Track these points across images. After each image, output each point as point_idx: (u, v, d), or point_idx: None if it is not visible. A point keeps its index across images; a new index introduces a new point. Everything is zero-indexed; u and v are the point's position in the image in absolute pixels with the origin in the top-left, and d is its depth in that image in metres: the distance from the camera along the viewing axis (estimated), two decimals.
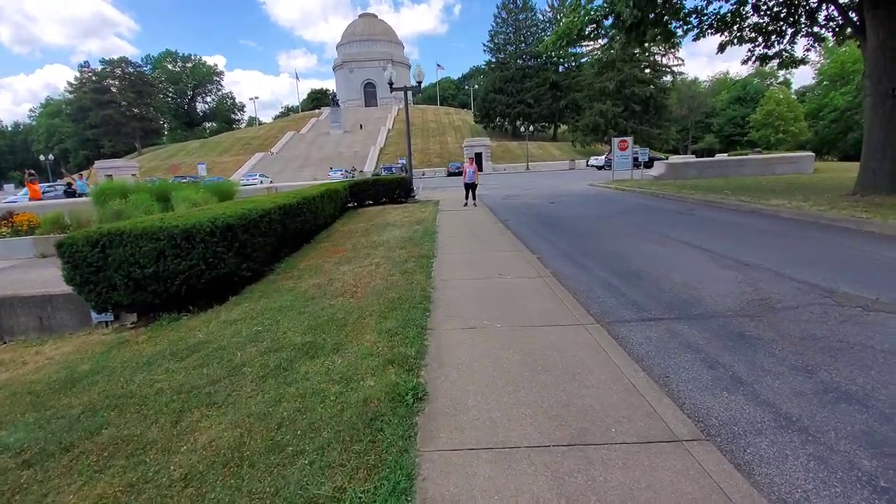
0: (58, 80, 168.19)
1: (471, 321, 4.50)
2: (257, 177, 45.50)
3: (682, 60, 57.94)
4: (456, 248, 8.00)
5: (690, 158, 32.51)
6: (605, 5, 13.63)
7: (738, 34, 15.27)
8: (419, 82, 16.28)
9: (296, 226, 9.11)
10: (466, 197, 15.06)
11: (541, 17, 69.32)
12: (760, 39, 15.28)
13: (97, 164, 50.09)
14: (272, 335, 4.43)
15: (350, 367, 3.60)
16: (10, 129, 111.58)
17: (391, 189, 16.96)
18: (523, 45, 69.31)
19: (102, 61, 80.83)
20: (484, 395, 3.12)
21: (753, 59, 15.89)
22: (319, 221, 11.20)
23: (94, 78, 79.44)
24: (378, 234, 10.25)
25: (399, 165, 44.24)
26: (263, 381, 3.52)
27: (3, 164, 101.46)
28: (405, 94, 16.69)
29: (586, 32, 14.28)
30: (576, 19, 14.02)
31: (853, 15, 12.08)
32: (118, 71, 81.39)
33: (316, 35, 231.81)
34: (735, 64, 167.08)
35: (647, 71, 58.94)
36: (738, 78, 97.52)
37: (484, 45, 72.54)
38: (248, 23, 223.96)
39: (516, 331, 4.22)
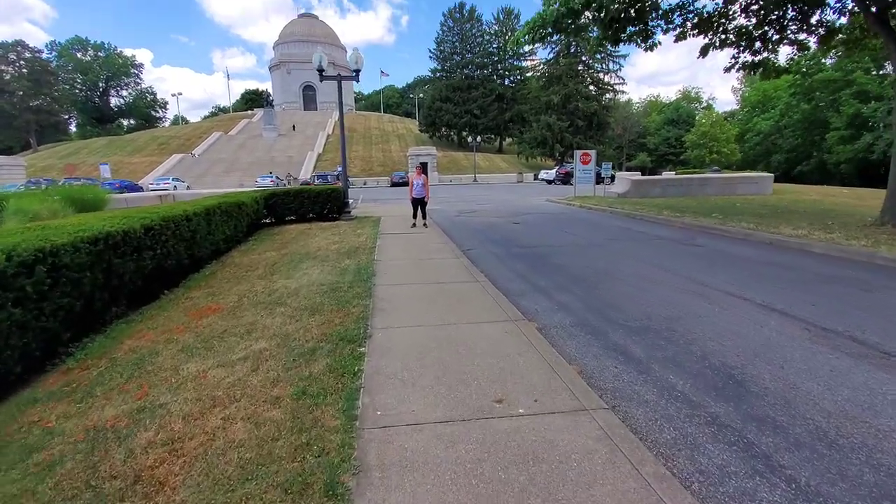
0: None
1: None
2: (170, 181, 39.67)
3: (624, 80, 59.05)
4: (405, 311, 4.90)
5: (636, 175, 31.62)
6: None
7: (722, 37, 13.60)
8: (357, 70, 13.11)
9: (142, 265, 5.60)
10: (415, 215, 12.02)
11: (486, 28, 68.54)
12: (744, 44, 13.70)
13: None
14: None
15: None
16: None
17: (320, 202, 13.52)
18: (469, 54, 68.06)
19: None
20: None
21: (738, 66, 14.32)
22: (201, 251, 7.66)
23: None
24: (287, 273, 6.92)
25: (336, 173, 40.49)
26: None
27: None
28: (339, 89, 13.43)
29: (564, 25, 11.87)
30: (551, 9, 11.58)
31: (874, 8, 10.50)
32: (12, 56, 70.27)
33: (255, 35, 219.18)
34: (665, 88, 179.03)
35: (591, 88, 59.45)
36: (667, 101, 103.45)
37: (430, 51, 70.91)
38: (180, 17, 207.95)
39: None
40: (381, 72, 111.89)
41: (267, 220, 13.33)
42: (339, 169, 46.70)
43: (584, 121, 57.37)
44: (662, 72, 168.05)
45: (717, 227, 10.90)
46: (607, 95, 60.66)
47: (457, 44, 68.34)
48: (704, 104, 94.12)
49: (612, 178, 28.07)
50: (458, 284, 5.98)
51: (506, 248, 9.40)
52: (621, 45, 14.39)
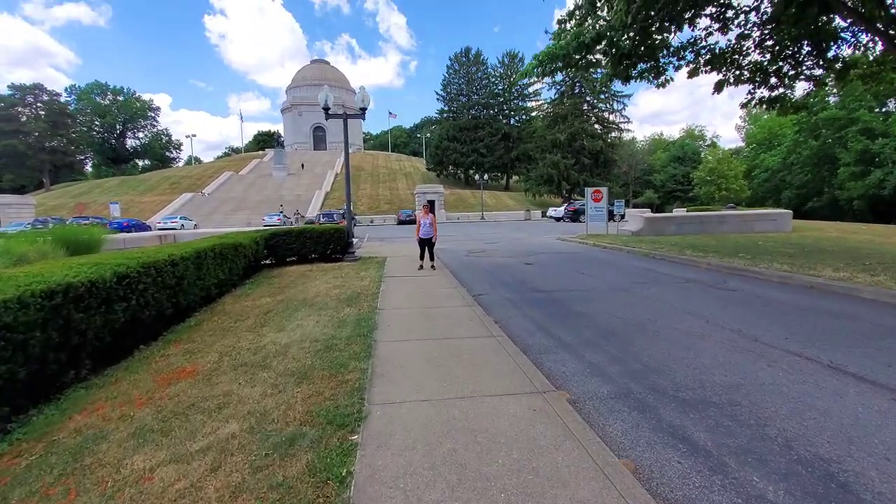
0: None
1: None
2: (178, 219, 39.76)
3: (629, 118, 59.78)
4: (410, 378, 4.12)
5: (647, 212, 31.05)
6: (600, 31, 11.08)
7: (736, 73, 13.27)
8: (363, 109, 12.86)
9: (111, 319, 4.91)
10: (422, 257, 11.35)
11: (491, 71, 70.45)
12: (759, 80, 13.35)
13: None
14: None
15: None
16: None
17: (323, 243, 12.94)
18: (475, 95, 69.67)
19: (11, 87, 72.24)
20: None
21: (755, 101, 13.93)
22: (188, 298, 6.98)
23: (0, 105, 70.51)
24: (279, 325, 6.19)
25: (342, 211, 40.17)
26: None
27: None
28: (344, 127, 13.14)
29: (574, 60, 11.61)
30: (562, 43, 11.35)
31: None
32: (29, 98, 73.00)
33: (270, 80, 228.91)
34: (668, 126, 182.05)
35: (597, 126, 60.11)
36: (670, 139, 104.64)
37: (437, 93, 72.39)
38: (199, 64, 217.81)
39: None
40: (390, 113, 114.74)
41: (267, 262, 12.74)
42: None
43: (590, 158, 57.67)
44: (665, 111, 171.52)
45: (748, 269, 10.08)
46: (612, 134, 61.21)
47: (463, 86, 70.12)
48: (708, 142, 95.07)
49: (623, 215, 27.53)
50: (472, 340, 5.20)
51: (520, 292, 8.63)
52: (633, 81, 14.12)
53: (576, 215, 36.46)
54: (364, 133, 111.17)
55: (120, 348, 5.28)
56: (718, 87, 13.67)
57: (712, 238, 17.46)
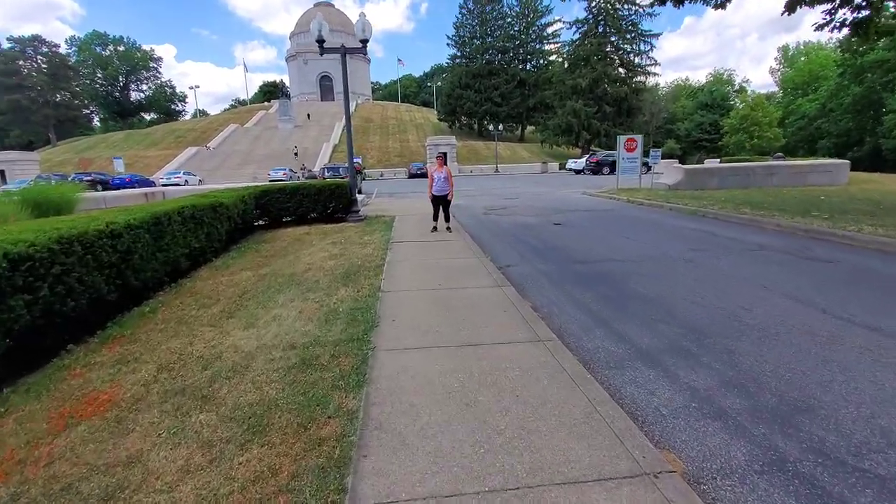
0: None
1: None
2: (181, 174, 38.28)
3: (656, 61, 55.02)
4: (422, 432, 2.62)
5: (675, 163, 28.47)
6: None
7: None
8: (364, 40, 10.81)
9: (2, 318, 3.47)
10: (436, 217, 9.70)
11: (507, 10, 65.08)
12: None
13: None
14: None
15: None
16: None
17: (323, 200, 11.32)
18: (489, 38, 64.80)
19: (10, 39, 69.37)
20: None
21: (833, 25, 11.50)
22: (143, 277, 5.52)
23: (1, 58, 67.89)
24: (252, 315, 4.72)
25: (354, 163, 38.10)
26: None
27: None
28: (343, 63, 11.14)
29: None
30: None
31: None
32: (29, 51, 70.20)
33: (276, 27, 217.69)
34: (692, 72, 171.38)
35: (621, 70, 55.67)
36: (696, 84, 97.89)
37: (448, 37, 67.71)
38: (202, 11, 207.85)
39: None
40: (399, 60, 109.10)
41: (261, 222, 11.24)
42: (357, 160, 44.55)
43: (613, 106, 53.82)
44: (689, 55, 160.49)
45: (832, 233, 8.27)
46: (638, 78, 56.67)
47: (476, 28, 65.16)
48: (737, 87, 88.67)
49: (648, 167, 25.04)
50: (510, 348, 3.66)
51: (557, 263, 7.02)
52: (686, 3, 11.71)
53: (598, 167, 34.01)
54: (372, 83, 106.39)
55: (35, 351, 3.90)
56: (791, 6, 11.22)
57: (764, 193, 15.39)
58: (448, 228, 9.63)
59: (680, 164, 18.98)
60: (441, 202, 9.45)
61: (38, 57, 70.93)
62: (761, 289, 5.38)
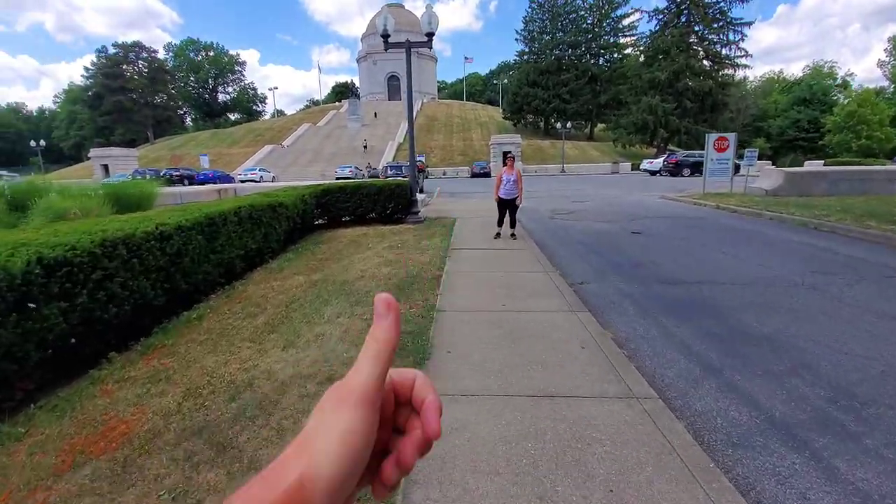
0: None
1: None
2: (257, 171, 40.40)
3: (746, 52, 49.98)
4: (486, 488, 1.96)
5: (768, 165, 25.37)
6: None
7: None
8: (430, 34, 10.27)
9: (35, 328, 3.24)
10: (500, 222, 8.93)
11: (580, 3, 62.23)
12: None
13: (93, 152, 46.13)
14: None
15: None
16: (34, 114, 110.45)
17: (382, 200, 10.96)
18: (560, 33, 62.40)
19: (115, 45, 77.45)
20: None
21: None
22: (192, 280, 5.29)
23: (107, 63, 76.09)
24: (294, 333, 4.27)
25: (417, 162, 38.12)
26: None
27: (26, 150, 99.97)
28: (407, 55, 10.70)
29: None
30: None
31: None
32: (132, 56, 78.01)
33: (351, 30, 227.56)
34: (785, 65, 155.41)
35: (705, 63, 51.21)
36: (791, 78, 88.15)
37: (517, 32, 66.05)
38: (284, 17, 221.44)
39: None
40: (465, 58, 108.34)
41: (321, 220, 11.10)
42: (421, 158, 44.67)
43: (695, 102, 49.68)
44: (782, 46, 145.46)
45: None
46: (725, 71, 51.85)
47: (547, 22, 63.07)
48: (839, 81, 78.58)
49: (737, 168, 22.38)
50: (593, 404, 2.87)
51: (641, 283, 6.03)
52: None
53: (677, 168, 31.38)
54: (438, 82, 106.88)
55: (73, 360, 3.69)
56: None
57: (886, 202, 13.00)
58: (513, 235, 8.85)
59: (780, 168, 16.68)
60: (508, 206, 8.67)
61: (139, 62, 78.60)
62: None
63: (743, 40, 49.73)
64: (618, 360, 3.46)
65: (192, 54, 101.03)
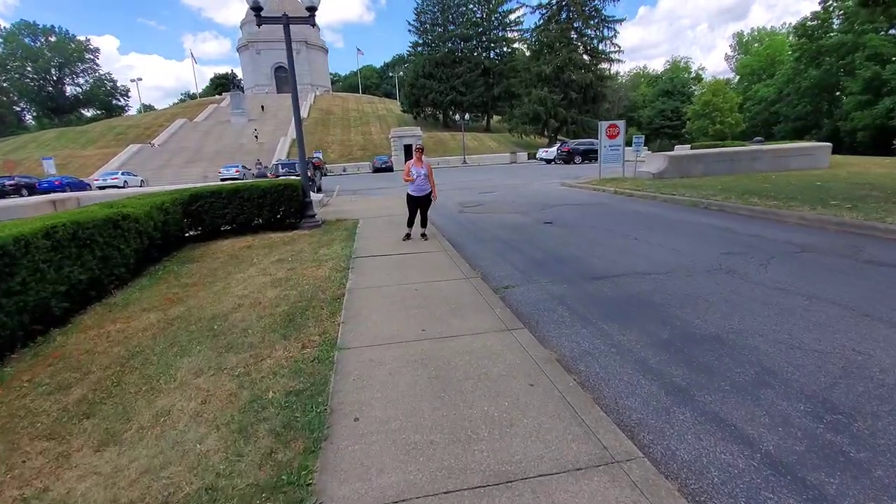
0: None
1: None
2: (119, 175, 34.70)
3: (620, 47, 54.60)
4: None
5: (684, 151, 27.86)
6: None
7: None
8: (311, 9, 8.87)
9: None
10: (411, 222, 7.93)
11: None
12: None
13: None
14: None
15: None
16: None
17: (270, 204, 9.37)
18: (451, 26, 62.85)
19: None
20: None
21: None
22: None
23: None
24: (133, 403, 2.91)
25: (313, 159, 35.49)
26: None
27: None
28: (286, 33, 9.20)
29: None
30: None
31: None
32: None
33: (229, 17, 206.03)
34: (648, 61, 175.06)
35: (585, 57, 54.94)
36: (654, 73, 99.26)
37: (409, 23, 65.19)
38: (147, 0, 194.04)
39: None
40: (358, 49, 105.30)
41: (193, 232, 9.19)
42: (317, 154, 41.73)
43: (579, 93, 53.08)
44: (644, 45, 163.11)
45: (870, 226, 7.13)
46: (602, 65, 56.15)
47: (438, 14, 63.01)
48: (693, 74, 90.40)
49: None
50: (569, 483, 2.05)
51: (568, 280, 5.48)
52: None
53: (570, 156, 32.97)
54: (332, 74, 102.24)
55: None
56: None
57: (754, 179, 14.46)
58: (423, 235, 7.94)
59: (664, 153, 17.93)
60: (420, 204, 7.71)
61: None
62: (860, 317, 3.99)
63: (616, 36, 54.15)
64: (576, 400, 2.70)
65: (27, 40, 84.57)
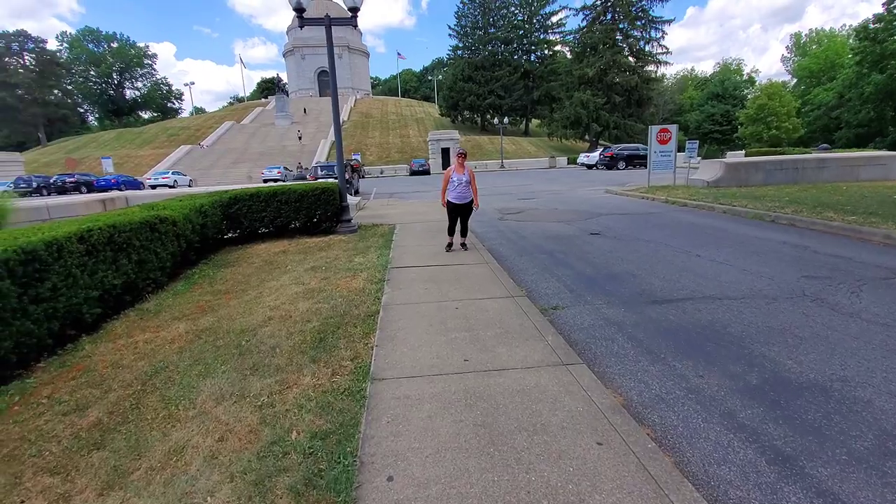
0: None
1: None
2: (170, 174, 36.16)
3: (668, 49, 52.41)
4: None
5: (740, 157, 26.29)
6: None
7: None
8: (354, 9, 8.66)
9: None
10: (451, 231, 7.51)
11: None
12: None
13: None
14: None
15: None
16: None
17: (306, 208, 9.20)
18: (492, 29, 62.38)
19: None
20: None
21: None
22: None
23: None
24: (146, 435, 2.63)
25: (352, 161, 35.76)
26: None
27: None
28: (328, 35, 9.02)
29: None
30: None
31: None
32: (15, 46, 67.95)
33: (277, 24, 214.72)
34: (696, 63, 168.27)
35: (630, 59, 53.10)
36: (703, 75, 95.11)
37: (450, 28, 65.19)
38: (202, 8, 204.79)
39: None
40: (398, 54, 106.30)
41: (231, 234, 9.15)
42: (356, 156, 42.12)
43: (622, 96, 51.34)
44: (692, 46, 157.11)
45: None
46: (648, 67, 54.06)
47: (479, 18, 62.71)
48: (746, 77, 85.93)
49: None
50: None
51: (626, 303, 4.91)
52: None
53: (613, 162, 31.82)
54: (372, 78, 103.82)
55: None
56: None
57: (822, 190, 13.20)
58: (464, 245, 7.51)
59: (720, 160, 16.78)
60: (461, 212, 7.29)
61: (25, 53, 68.64)
62: None
63: (663, 38, 52.08)
64: (658, 470, 2.19)
65: (91, 45, 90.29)
